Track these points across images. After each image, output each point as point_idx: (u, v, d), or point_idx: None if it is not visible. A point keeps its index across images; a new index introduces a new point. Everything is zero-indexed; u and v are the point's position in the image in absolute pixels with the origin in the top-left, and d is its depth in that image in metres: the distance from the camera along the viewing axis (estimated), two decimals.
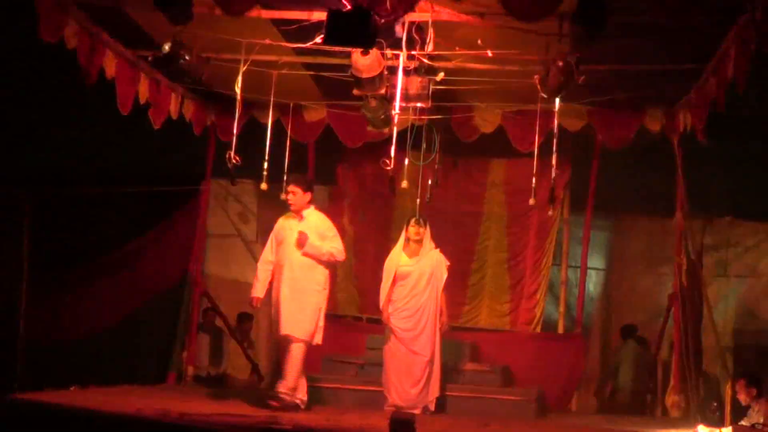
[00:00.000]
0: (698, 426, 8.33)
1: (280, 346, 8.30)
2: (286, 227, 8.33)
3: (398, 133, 8.32)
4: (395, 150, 8.17)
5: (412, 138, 9.35)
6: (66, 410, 7.06)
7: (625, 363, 10.83)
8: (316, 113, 10.34)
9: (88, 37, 8.01)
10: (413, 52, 7.80)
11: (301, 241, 8.16)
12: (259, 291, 8.30)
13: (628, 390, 10.79)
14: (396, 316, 8.77)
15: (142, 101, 9.01)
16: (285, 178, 8.79)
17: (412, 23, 7.58)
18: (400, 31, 7.62)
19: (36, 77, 9.62)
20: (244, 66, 8.28)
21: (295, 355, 8.13)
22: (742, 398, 8.80)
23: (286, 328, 8.12)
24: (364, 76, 7.81)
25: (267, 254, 8.40)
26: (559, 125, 8.54)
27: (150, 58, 8.32)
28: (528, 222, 10.64)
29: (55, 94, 9.86)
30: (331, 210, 11.18)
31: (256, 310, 8.21)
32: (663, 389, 10.22)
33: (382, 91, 8.10)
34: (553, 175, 8.31)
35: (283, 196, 8.40)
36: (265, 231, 11.15)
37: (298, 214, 8.33)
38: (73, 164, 10.59)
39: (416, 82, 8.07)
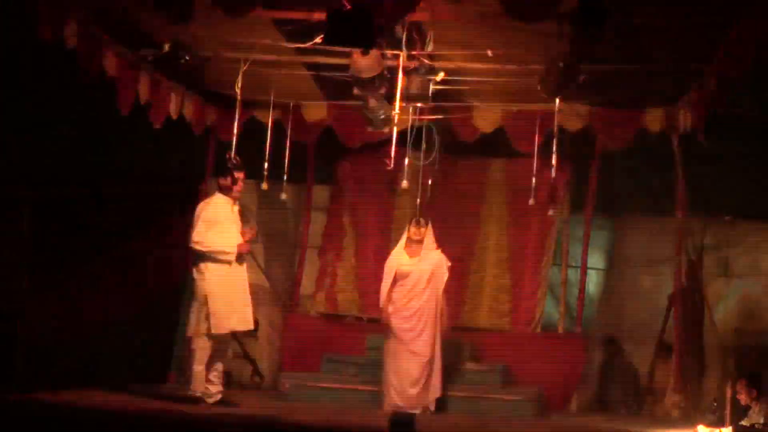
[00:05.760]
0: (698, 426, 8.33)
1: (233, 338, 8.24)
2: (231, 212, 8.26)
3: (398, 133, 8.33)
4: (395, 150, 8.17)
5: (412, 138, 9.34)
6: (66, 410, 7.07)
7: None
8: (316, 113, 10.32)
9: (88, 37, 8.01)
10: (413, 52, 7.81)
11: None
12: None
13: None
14: (396, 316, 8.76)
15: (142, 101, 9.01)
16: (285, 177, 8.75)
17: (412, 23, 7.58)
18: (400, 31, 7.62)
19: (36, 77, 9.62)
20: (244, 66, 8.28)
21: None
22: (743, 399, 8.78)
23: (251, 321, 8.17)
24: (364, 76, 7.82)
25: None
26: (559, 125, 8.55)
27: (150, 58, 8.33)
28: (528, 222, 10.61)
29: (55, 94, 9.85)
30: (331, 210, 11.22)
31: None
32: (662, 389, 10.21)
33: (382, 91, 8.10)
34: (553, 175, 8.32)
35: (237, 187, 8.29)
36: (265, 231, 11.20)
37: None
38: (73, 164, 10.58)
39: (416, 82, 8.07)
